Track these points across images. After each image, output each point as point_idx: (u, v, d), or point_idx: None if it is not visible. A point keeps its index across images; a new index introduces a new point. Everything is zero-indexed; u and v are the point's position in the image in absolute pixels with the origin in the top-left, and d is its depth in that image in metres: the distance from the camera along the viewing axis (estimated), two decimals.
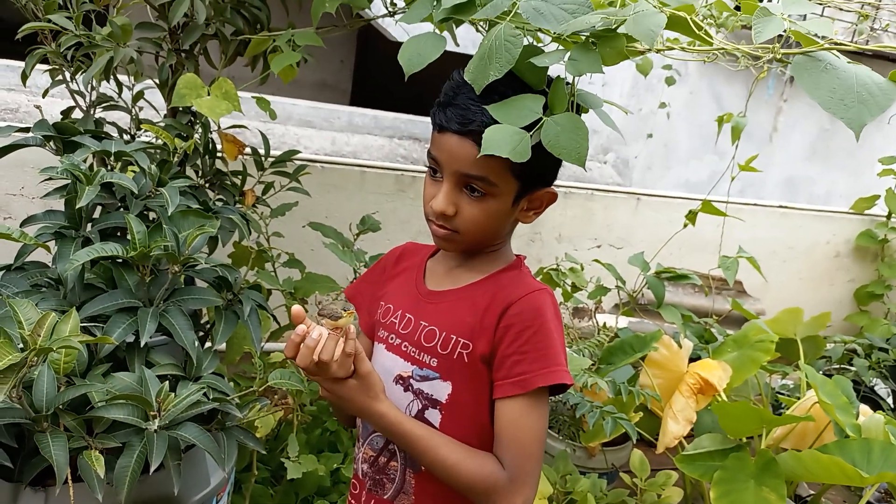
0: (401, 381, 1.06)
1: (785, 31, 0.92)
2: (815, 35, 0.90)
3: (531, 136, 0.91)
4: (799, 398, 2.24)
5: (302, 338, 0.90)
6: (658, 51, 1.28)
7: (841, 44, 0.91)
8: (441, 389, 1.03)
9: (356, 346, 0.94)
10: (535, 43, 1.12)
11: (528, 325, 0.99)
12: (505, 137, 0.90)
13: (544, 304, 1.01)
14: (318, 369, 0.92)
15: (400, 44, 1.06)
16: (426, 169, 1.04)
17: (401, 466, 1.07)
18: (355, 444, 1.17)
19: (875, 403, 2.91)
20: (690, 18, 0.96)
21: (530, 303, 1.01)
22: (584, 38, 0.95)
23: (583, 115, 0.99)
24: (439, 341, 1.03)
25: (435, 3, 1.10)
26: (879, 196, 3.65)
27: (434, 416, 1.03)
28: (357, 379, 0.95)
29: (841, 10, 2.95)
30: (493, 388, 1.00)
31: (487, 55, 0.92)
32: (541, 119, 0.92)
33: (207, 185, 1.78)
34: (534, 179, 1.01)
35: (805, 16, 1.00)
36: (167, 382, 1.18)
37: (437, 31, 1.16)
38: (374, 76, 5.64)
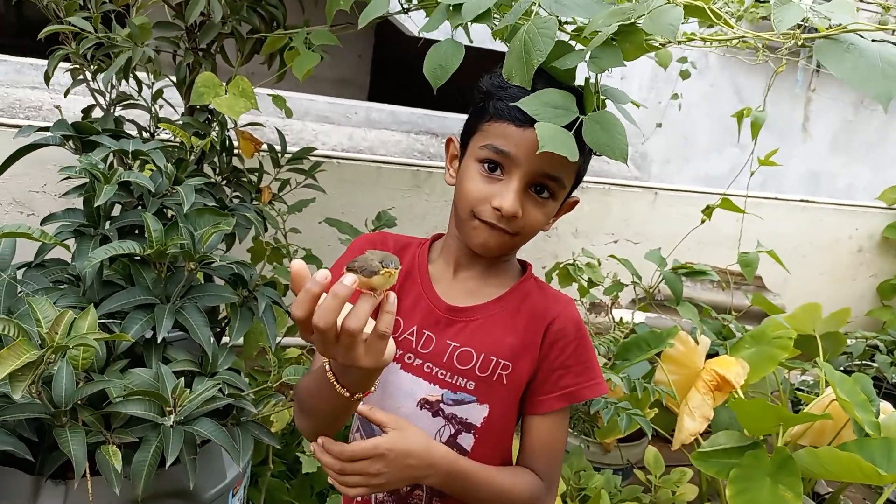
0: (427, 406, 0.99)
1: (804, 18, 0.91)
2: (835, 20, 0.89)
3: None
4: (818, 395, 2.22)
5: (323, 289, 0.66)
6: (679, 42, 1.27)
7: (863, 26, 0.89)
8: (477, 413, 0.99)
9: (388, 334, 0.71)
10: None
11: (571, 339, 1.01)
12: (559, 136, 0.88)
13: (578, 315, 1.03)
14: (336, 343, 0.69)
15: (416, 39, 1.06)
16: (477, 164, 0.95)
17: (426, 496, 1.02)
18: None
19: None
20: (708, 7, 0.96)
21: (570, 316, 1.02)
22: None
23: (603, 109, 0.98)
24: (477, 363, 0.98)
25: (451, 8, 1.10)
26: None
27: (467, 440, 1.00)
28: (395, 426, 0.88)
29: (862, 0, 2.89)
30: (533, 403, 1.00)
31: (525, 49, 0.91)
32: (578, 118, 0.90)
33: (224, 182, 1.80)
34: (579, 182, 1.02)
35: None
36: (183, 378, 1.21)
37: (453, 29, 1.15)
38: (392, 71, 5.65)
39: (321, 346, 0.71)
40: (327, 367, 0.78)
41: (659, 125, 3.37)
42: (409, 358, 1.01)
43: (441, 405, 0.99)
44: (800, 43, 1.00)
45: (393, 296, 0.71)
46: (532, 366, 0.99)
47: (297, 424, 0.95)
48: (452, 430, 0.99)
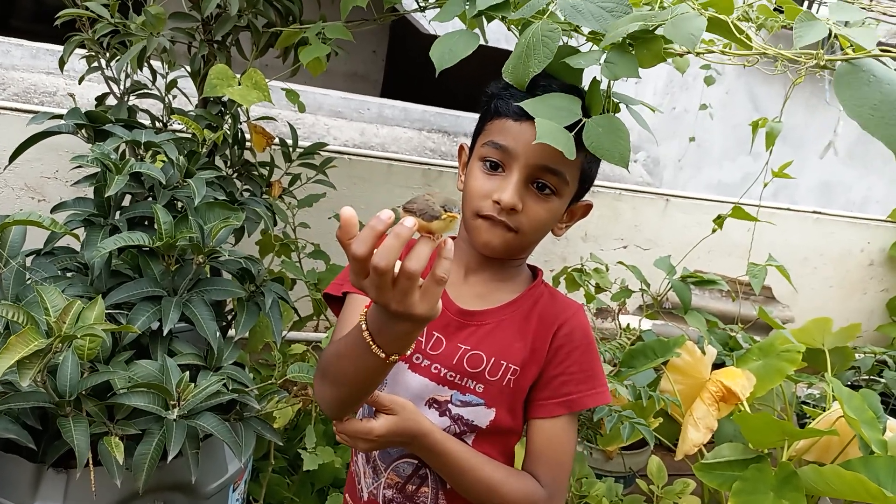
0: (435, 405, 0.99)
1: (829, 36, 0.89)
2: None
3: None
4: (824, 409, 2.20)
5: (387, 227, 0.64)
6: (698, 54, 1.26)
7: (889, 49, 0.88)
8: (483, 416, 0.99)
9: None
10: (570, 43, 1.11)
11: (577, 345, 1.00)
12: (557, 131, 0.87)
13: (587, 322, 1.03)
14: (392, 288, 0.66)
15: (432, 37, 1.05)
16: (480, 163, 0.97)
17: (432, 492, 1.02)
18: (359, 470, 1.08)
19: None
20: (731, 22, 0.94)
21: (577, 322, 1.02)
22: (620, 39, 0.93)
23: (616, 114, 0.97)
24: (487, 367, 0.99)
25: (468, 1, 1.09)
26: None
27: (470, 440, 1.00)
28: (395, 408, 0.88)
29: (885, 14, 2.86)
30: (534, 407, 1.00)
31: (525, 53, 0.91)
32: (581, 120, 0.89)
33: (235, 175, 1.79)
34: (587, 185, 1.00)
35: (847, 23, 0.97)
36: (188, 372, 1.20)
37: (467, 27, 1.15)
38: (405, 68, 5.64)
39: (375, 290, 0.67)
40: (363, 325, 0.74)
41: (692, 139, 3.36)
42: (418, 358, 1.01)
43: (449, 405, 0.99)
44: (822, 63, 0.98)
45: (450, 242, 0.69)
46: (538, 370, 0.99)
47: (317, 394, 0.89)
48: (458, 430, 0.99)
